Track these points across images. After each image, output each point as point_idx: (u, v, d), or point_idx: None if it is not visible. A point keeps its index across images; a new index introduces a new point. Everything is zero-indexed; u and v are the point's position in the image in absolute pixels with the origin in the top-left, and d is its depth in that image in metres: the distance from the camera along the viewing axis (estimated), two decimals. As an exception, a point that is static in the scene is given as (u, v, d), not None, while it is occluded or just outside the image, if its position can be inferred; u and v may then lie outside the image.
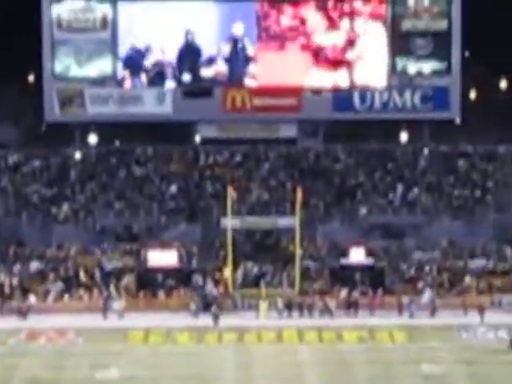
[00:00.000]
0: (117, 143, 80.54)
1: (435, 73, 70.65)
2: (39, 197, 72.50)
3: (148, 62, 70.91)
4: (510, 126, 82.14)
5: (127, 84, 71.61)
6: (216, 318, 58.00)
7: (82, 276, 64.75)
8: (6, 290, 63.52)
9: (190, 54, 71.99)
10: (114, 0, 70.09)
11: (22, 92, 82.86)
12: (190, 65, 72.36)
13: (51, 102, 71.89)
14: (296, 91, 71.55)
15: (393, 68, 70.20)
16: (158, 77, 71.79)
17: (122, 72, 71.36)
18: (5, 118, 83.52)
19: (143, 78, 71.57)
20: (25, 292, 62.40)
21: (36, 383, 44.08)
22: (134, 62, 71.91)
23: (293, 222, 64.33)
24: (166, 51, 71.59)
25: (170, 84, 72.13)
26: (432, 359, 47.60)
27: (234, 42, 72.72)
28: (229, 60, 71.50)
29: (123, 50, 71.75)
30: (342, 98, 71.91)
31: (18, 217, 72.47)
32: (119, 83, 71.46)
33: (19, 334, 56.66)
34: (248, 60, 71.23)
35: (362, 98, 71.69)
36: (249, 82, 71.98)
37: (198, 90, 71.68)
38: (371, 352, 51.01)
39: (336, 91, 71.85)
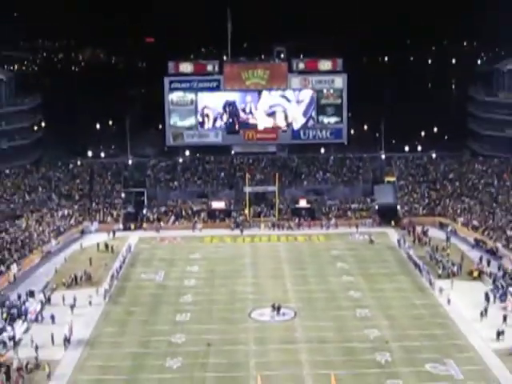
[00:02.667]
0: (197, 155, 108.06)
1: (336, 122, 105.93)
2: (164, 178, 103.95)
3: (211, 117, 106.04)
4: (368, 146, 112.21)
5: (202, 129, 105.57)
6: (241, 230, 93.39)
7: (184, 213, 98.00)
8: (150, 219, 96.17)
9: (227, 115, 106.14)
10: (196, 92, 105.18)
11: (156, 132, 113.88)
12: (227, 120, 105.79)
13: (169, 136, 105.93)
14: (274, 131, 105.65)
15: (317, 120, 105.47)
16: (214, 124, 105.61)
17: (199, 123, 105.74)
18: (147, 144, 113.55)
19: (209, 125, 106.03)
20: (158, 220, 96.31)
21: (163, 260, 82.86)
22: (204, 118, 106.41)
23: (274, 188, 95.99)
24: (218, 112, 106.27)
25: (219, 126, 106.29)
26: (336, 248, 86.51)
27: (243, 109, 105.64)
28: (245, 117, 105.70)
29: (210, 115, 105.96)
30: (295, 132, 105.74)
31: (155, 188, 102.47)
32: (198, 128, 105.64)
33: (156, 239, 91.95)
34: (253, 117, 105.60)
35: (304, 133, 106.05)
36: (253, 126, 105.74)
37: (232, 131, 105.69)
38: (309, 245, 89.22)
39: (292, 130, 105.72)
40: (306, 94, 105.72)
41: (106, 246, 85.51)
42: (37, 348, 53.78)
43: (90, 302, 66.89)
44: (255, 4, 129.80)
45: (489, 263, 76.37)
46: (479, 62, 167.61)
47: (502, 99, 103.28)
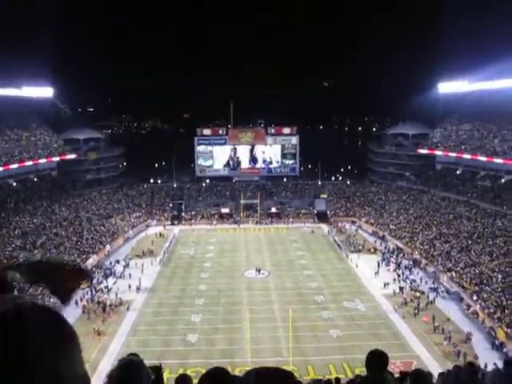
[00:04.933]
0: (213, 182, 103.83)
1: (292, 163, 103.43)
2: (194, 195, 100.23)
3: (221, 160, 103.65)
4: (311, 176, 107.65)
5: (216, 167, 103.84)
6: (239, 225, 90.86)
7: (205, 215, 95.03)
8: (186, 218, 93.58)
9: (232, 162, 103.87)
10: (212, 146, 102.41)
11: (190, 168, 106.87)
12: (229, 162, 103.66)
13: (197, 171, 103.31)
14: (257, 169, 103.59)
15: (282, 162, 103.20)
16: (223, 164, 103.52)
17: (216, 163, 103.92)
18: (185, 175, 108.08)
19: (220, 165, 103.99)
20: (190, 219, 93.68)
21: (193, 242, 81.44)
22: (217, 161, 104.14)
23: (257, 201, 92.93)
24: (225, 157, 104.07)
25: (225, 165, 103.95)
26: (292, 235, 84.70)
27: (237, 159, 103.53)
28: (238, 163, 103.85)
29: (220, 159, 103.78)
30: (269, 169, 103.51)
31: (189, 200, 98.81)
32: (214, 166, 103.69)
33: (189, 230, 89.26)
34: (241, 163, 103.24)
35: (274, 169, 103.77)
36: (245, 168, 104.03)
37: (233, 168, 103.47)
38: (277, 234, 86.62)
39: (267, 167, 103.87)
40: (276, 147, 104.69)
41: (161, 234, 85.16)
42: (120, 293, 55.54)
43: (152, 264, 67.51)
44: (246, 97, 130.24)
45: (380, 244, 77.15)
46: (374, 129, 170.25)
47: (387, 150, 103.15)
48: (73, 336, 1.54)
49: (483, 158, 79.44)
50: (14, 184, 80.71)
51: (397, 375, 5.75)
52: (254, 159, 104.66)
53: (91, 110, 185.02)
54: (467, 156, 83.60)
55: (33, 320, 1.43)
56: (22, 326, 1.39)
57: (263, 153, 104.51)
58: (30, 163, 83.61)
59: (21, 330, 1.38)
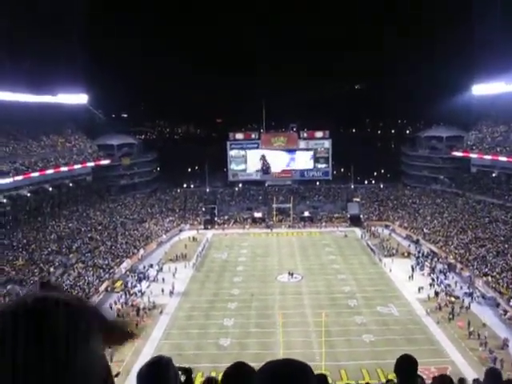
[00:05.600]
0: (246, 186, 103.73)
1: (325, 167, 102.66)
2: (227, 199, 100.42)
3: (254, 164, 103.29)
4: (343, 180, 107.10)
5: (248, 171, 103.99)
6: (271, 229, 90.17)
7: (238, 219, 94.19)
8: (219, 222, 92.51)
9: (264, 166, 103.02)
10: (245, 150, 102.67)
11: (223, 173, 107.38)
12: (262, 166, 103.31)
13: (230, 175, 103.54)
14: (290, 172, 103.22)
15: (314, 166, 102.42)
16: (255, 168, 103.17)
17: (249, 168, 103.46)
18: (218, 179, 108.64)
19: (252, 169, 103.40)
20: (223, 223, 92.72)
21: (226, 246, 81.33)
22: (250, 165, 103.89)
23: (290, 205, 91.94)
24: (257, 161, 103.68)
25: (258, 169, 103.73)
26: (325, 240, 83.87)
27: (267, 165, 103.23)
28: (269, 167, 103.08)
29: (253, 163, 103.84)
30: (302, 173, 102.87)
31: (222, 205, 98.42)
32: (247, 170, 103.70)
33: (222, 234, 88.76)
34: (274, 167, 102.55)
35: (307, 173, 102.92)
36: (277, 172, 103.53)
37: (266, 172, 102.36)
38: (309, 238, 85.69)
39: (300, 171, 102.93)
40: (308, 151, 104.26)
41: (194, 238, 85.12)
42: (153, 296, 55.73)
43: (185, 268, 67.59)
44: (279, 101, 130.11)
45: (414, 248, 76.14)
46: (407, 131, 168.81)
47: (420, 153, 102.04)
48: (93, 327, 1.58)
49: (520, 161, 76.90)
50: (50, 189, 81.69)
51: (429, 381, 5.86)
52: (286, 164, 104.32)
53: (125, 115, 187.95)
54: (503, 158, 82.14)
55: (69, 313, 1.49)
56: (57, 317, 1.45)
57: (296, 157, 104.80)
58: (65, 169, 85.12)
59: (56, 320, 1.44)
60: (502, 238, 66.46)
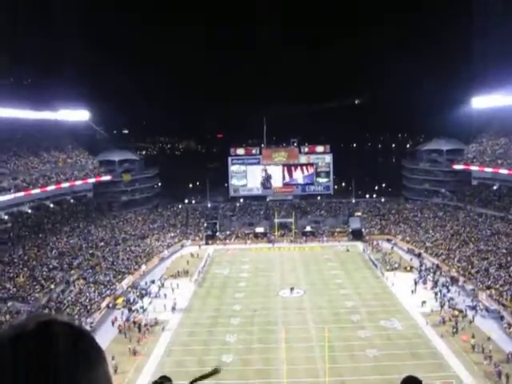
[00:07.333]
0: (247, 201, 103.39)
1: (326, 182, 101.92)
2: (228, 214, 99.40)
3: (255, 180, 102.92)
4: (344, 195, 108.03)
5: (249, 186, 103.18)
6: (273, 244, 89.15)
7: (239, 234, 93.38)
8: (220, 238, 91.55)
9: (265, 181, 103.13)
10: (246, 165, 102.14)
11: (224, 188, 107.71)
12: (263, 181, 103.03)
13: (231, 190, 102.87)
14: (291, 187, 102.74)
15: (315, 180, 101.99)
16: (256, 183, 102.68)
17: (249, 183, 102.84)
18: (219, 195, 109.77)
19: (253, 184, 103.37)
20: (225, 239, 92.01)
21: (228, 261, 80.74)
22: (250, 180, 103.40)
23: (291, 220, 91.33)
24: (258, 177, 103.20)
25: (259, 184, 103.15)
26: (327, 254, 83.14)
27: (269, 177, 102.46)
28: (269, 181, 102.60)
29: (254, 178, 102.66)
30: (303, 188, 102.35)
31: (223, 220, 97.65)
32: (247, 185, 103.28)
33: (224, 249, 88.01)
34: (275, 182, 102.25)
35: (308, 188, 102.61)
36: (279, 187, 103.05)
37: (267, 187, 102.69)
38: (311, 252, 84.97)
39: (301, 186, 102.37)
40: (309, 166, 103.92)
41: (196, 254, 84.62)
42: (155, 313, 55.75)
43: (187, 284, 66.72)
44: (279, 117, 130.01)
45: (417, 262, 75.60)
46: (408, 145, 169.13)
47: (421, 167, 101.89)
48: (100, 354, 1.52)
49: (521, 173, 76.59)
50: (51, 205, 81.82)
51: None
52: (287, 179, 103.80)
53: (126, 132, 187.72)
54: (504, 171, 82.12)
55: (63, 338, 1.41)
56: (50, 343, 1.38)
57: (297, 172, 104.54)
58: (66, 185, 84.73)
59: (49, 346, 1.37)
60: (505, 251, 66.17)
